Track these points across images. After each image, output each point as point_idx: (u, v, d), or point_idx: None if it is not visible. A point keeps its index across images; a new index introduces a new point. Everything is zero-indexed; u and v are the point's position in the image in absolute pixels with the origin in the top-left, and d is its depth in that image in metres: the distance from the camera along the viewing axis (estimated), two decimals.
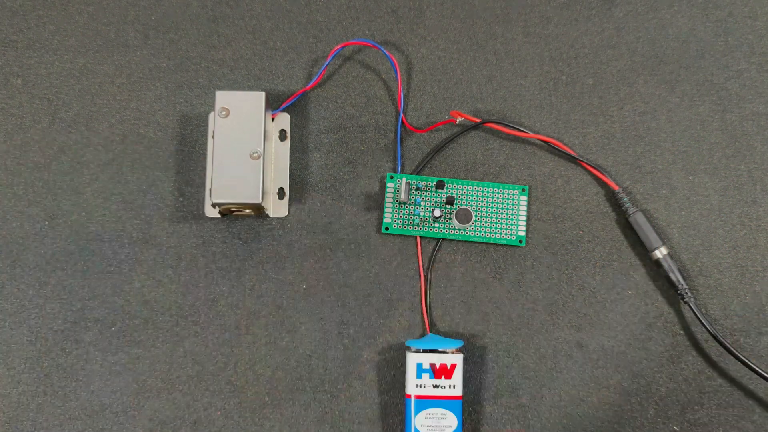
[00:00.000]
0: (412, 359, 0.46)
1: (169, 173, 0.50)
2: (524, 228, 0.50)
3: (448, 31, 0.53)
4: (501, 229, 0.50)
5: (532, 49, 0.52)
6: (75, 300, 0.49)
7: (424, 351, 0.46)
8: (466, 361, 0.48)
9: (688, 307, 0.48)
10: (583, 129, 0.51)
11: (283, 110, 0.51)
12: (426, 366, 0.46)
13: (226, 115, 0.47)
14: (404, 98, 0.52)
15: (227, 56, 0.52)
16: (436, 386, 0.46)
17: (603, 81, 0.52)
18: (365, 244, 0.50)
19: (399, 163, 0.51)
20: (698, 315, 0.47)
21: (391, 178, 0.50)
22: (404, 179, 0.49)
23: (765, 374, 0.46)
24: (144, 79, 0.51)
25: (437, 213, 0.48)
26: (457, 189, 0.50)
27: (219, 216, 0.49)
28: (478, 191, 0.50)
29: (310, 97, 0.52)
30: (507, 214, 0.50)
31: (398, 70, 0.51)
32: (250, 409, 0.48)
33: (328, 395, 0.48)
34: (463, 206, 0.49)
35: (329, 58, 0.51)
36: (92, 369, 0.48)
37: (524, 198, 0.50)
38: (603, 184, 0.51)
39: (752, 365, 0.46)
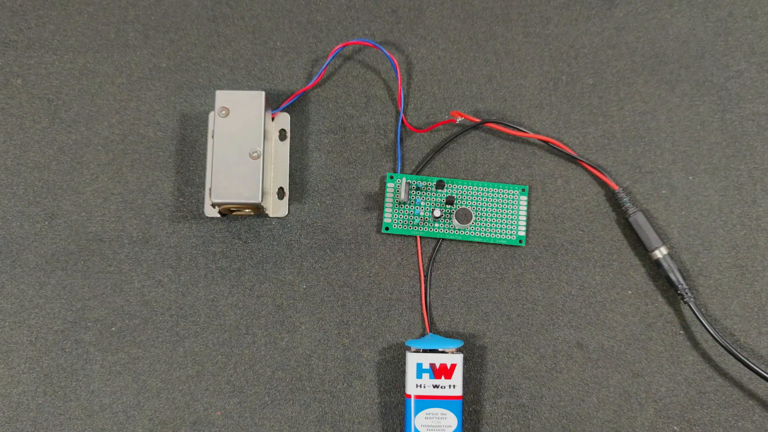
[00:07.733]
0: (412, 359, 0.46)
1: (169, 173, 0.50)
2: (524, 228, 0.50)
3: (448, 31, 0.53)
4: (501, 229, 0.50)
5: (532, 49, 0.52)
6: (75, 300, 0.49)
7: (424, 351, 0.46)
8: (466, 361, 0.48)
9: (688, 307, 0.49)
10: (583, 129, 0.51)
11: (283, 110, 0.51)
12: (426, 366, 0.46)
13: (226, 115, 0.47)
14: (404, 98, 0.52)
15: (227, 56, 0.52)
16: (436, 386, 0.46)
17: (603, 81, 0.52)
18: (365, 244, 0.50)
19: (399, 163, 0.51)
20: (698, 315, 0.47)
21: (391, 178, 0.50)
22: (404, 179, 0.49)
23: (765, 374, 0.46)
24: (144, 79, 0.51)
25: (437, 213, 0.48)
26: (457, 189, 0.50)
27: (219, 216, 0.49)
28: (478, 191, 0.50)
29: (310, 97, 0.52)
30: (507, 214, 0.50)
31: (398, 70, 0.51)
32: (250, 409, 0.48)
33: (328, 395, 0.48)
34: (463, 206, 0.49)
35: (329, 58, 0.51)
36: (92, 369, 0.48)
37: (524, 198, 0.50)
38: (603, 184, 0.51)
39: (752, 365, 0.46)
